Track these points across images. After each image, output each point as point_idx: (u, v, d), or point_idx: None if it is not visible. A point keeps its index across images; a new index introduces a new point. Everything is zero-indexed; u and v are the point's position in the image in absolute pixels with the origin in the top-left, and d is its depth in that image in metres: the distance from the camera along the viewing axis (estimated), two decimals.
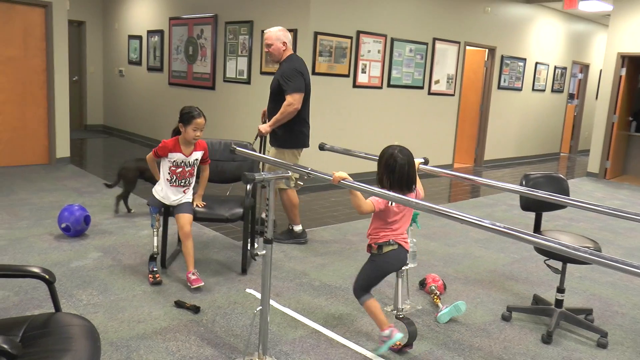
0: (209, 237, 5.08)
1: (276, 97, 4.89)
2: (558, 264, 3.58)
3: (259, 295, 3.80)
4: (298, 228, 5.09)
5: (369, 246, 3.15)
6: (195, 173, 4.11)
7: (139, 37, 10.64)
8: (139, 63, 10.75)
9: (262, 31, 7.41)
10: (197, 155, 4.08)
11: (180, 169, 4.02)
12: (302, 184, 2.89)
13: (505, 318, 3.72)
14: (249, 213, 4.21)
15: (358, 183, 2.69)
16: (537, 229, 3.76)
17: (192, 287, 3.86)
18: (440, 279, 4.12)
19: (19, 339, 2.20)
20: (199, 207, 4.18)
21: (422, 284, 4.16)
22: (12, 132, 7.77)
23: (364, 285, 3.12)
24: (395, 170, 2.98)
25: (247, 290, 3.93)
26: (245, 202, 4.20)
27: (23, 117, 7.83)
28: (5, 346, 1.84)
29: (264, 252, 2.80)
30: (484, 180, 3.27)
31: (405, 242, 3.14)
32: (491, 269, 4.73)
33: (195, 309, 3.54)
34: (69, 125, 8.26)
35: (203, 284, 3.92)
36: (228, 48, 8.43)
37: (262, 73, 7.82)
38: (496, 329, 3.59)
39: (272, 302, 3.65)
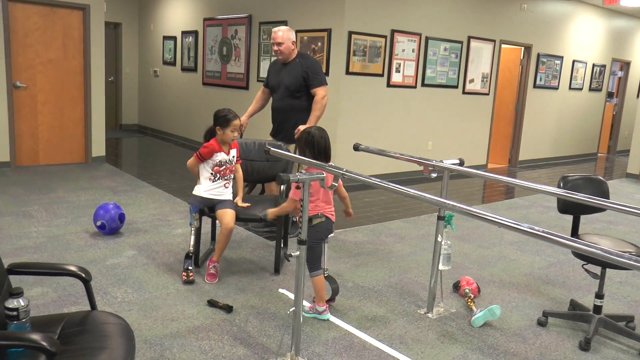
0: (242, 237, 5.10)
1: (296, 94, 5.02)
2: (597, 269, 3.49)
3: (291, 296, 3.80)
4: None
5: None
6: (233, 169, 4.21)
7: (174, 38, 10.76)
8: (173, 63, 10.87)
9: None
10: (234, 152, 4.22)
11: (223, 167, 4.13)
12: (336, 184, 2.87)
13: (542, 323, 3.64)
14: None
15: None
16: (575, 232, 3.68)
17: (206, 281, 4.00)
18: (475, 282, 4.06)
19: (56, 336, 2.24)
20: (243, 207, 4.24)
21: (456, 286, 4.10)
22: (50, 132, 7.94)
23: (311, 258, 3.50)
24: (314, 143, 3.45)
25: (280, 290, 3.93)
26: (279, 202, 4.20)
27: (61, 117, 8.00)
28: (45, 343, 1.87)
29: (298, 253, 2.79)
30: (521, 182, 3.20)
31: (331, 214, 3.62)
32: (527, 273, 4.64)
33: (228, 309, 3.55)
34: (105, 125, 8.40)
35: (217, 281, 4.02)
36: (262, 48, 8.46)
37: None
38: (532, 334, 3.52)
39: (305, 303, 3.64)
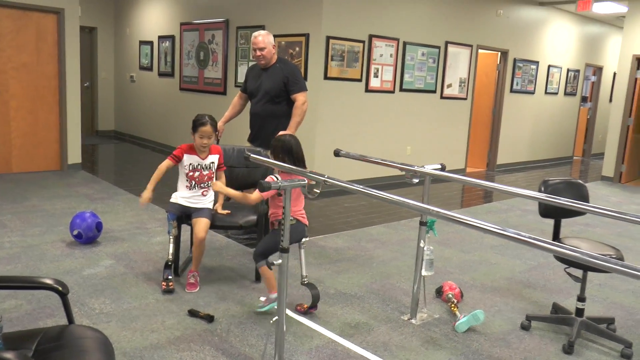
0: (222, 244, 5.03)
1: (276, 99, 4.99)
2: (578, 272, 3.50)
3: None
4: None
5: (272, 223, 3.68)
6: (213, 177, 4.11)
7: (150, 43, 10.65)
8: (150, 68, 10.75)
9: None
10: (213, 158, 4.11)
11: (197, 173, 4.04)
12: (318, 191, 2.83)
13: (525, 327, 3.64)
14: (263, 220, 4.16)
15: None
16: (556, 236, 3.69)
17: (186, 291, 3.93)
18: (457, 287, 4.05)
19: (32, 353, 2.16)
20: (222, 214, 4.16)
21: (439, 291, 4.09)
22: (24, 138, 7.77)
23: (263, 252, 3.57)
24: (293, 150, 3.56)
25: (262, 298, 3.85)
26: (259, 208, 4.15)
27: (35, 123, 7.84)
28: None
29: (280, 261, 2.75)
30: (504, 187, 3.19)
31: (303, 217, 3.64)
32: (508, 277, 4.65)
33: (209, 318, 3.49)
34: (81, 131, 8.25)
35: (198, 289, 3.96)
36: (239, 53, 8.41)
37: None
38: (515, 338, 3.51)
39: (287, 311, 3.59)
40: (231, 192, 3.51)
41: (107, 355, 2.20)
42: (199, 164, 4.05)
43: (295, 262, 4.05)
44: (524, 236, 2.04)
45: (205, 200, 4.09)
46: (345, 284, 4.26)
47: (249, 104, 5.27)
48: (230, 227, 4.23)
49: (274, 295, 3.57)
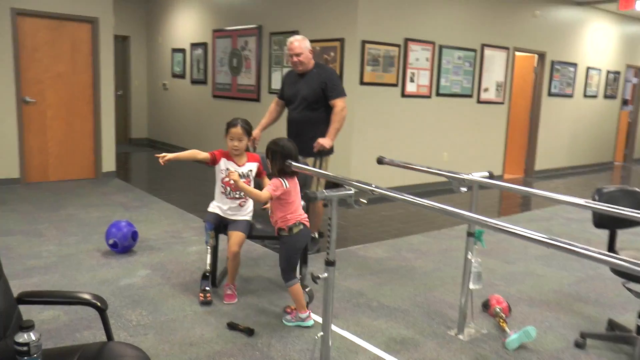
0: (259, 254, 4.93)
1: (314, 105, 4.87)
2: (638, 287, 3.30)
3: (315, 317, 3.62)
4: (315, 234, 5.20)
5: (280, 230, 3.49)
6: (251, 186, 3.95)
7: (183, 50, 10.66)
8: (182, 76, 10.76)
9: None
10: (251, 166, 3.96)
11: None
12: (365, 202, 2.69)
13: (579, 345, 3.44)
14: None
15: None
16: (611, 247, 3.49)
17: (224, 302, 3.84)
18: (505, 301, 3.87)
19: None
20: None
21: (486, 305, 3.91)
22: (60, 147, 7.81)
23: (288, 268, 3.49)
24: (292, 155, 3.42)
25: (288, 317, 3.74)
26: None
27: (71, 131, 7.87)
28: None
29: (326, 275, 2.62)
30: (559, 196, 2.97)
31: (306, 221, 3.56)
32: (556, 289, 4.44)
33: (250, 332, 3.37)
34: (114, 139, 8.27)
35: (236, 301, 3.86)
36: (273, 59, 8.33)
37: None
38: (571, 357, 3.32)
39: (332, 326, 3.46)
40: (245, 186, 3.47)
41: None
42: (235, 171, 3.93)
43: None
44: (595, 252, 1.88)
45: (242, 212, 3.97)
46: (388, 296, 4.11)
47: (286, 111, 5.16)
48: (266, 237, 4.12)
49: (305, 314, 3.55)
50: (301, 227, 3.48)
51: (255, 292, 4.04)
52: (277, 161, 3.42)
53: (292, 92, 4.99)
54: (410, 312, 3.84)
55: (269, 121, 5.21)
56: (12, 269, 4.31)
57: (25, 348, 1.93)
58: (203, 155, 3.93)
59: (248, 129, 3.93)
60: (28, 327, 1.95)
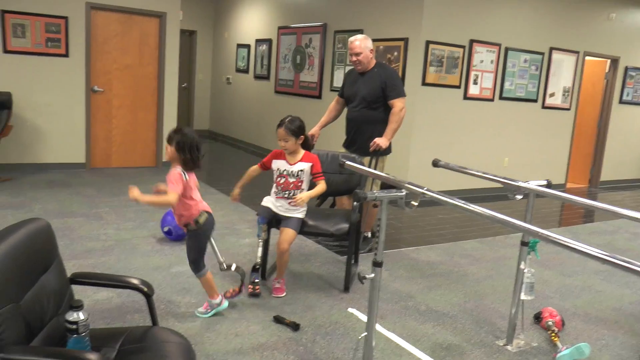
0: (311, 250, 4.94)
1: (373, 105, 4.84)
2: None
3: (362, 317, 3.61)
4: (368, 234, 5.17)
5: (187, 225, 3.41)
6: (302, 186, 3.93)
7: (247, 46, 10.81)
8: (246, 71, 10.91)
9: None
10: (303, 166, 3.93)
11: (283, 179, 3.92)
12: (416, 204, 2.64)
13: None
14: (355, 229, 4.02)
15: None
16: None
17: (273, 295, 3.87)
18: (558, 314, 3.74)
19: (116, 352, 2.13)
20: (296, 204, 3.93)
21: (538, 317, 3.79)
22: (124, 136, 8.07)
23: (198, 258, 3.47)
24: (195, 145, 3.28)
25: (350, 309, 3.73)
26: (351, 217, 4.01)
27: (134, 121, 8.12)
28: None
29: (373, 275, 2.59)
30: (627, 211, 2.80)
31: (208, 208, 3.50)
32: (616, 307, 4.25)
33: (295, 326, 3.39)
34: None
35: (284, 295, 3.88)
36: (336, 57, 8.33)
37: None
38: None
39: (376, 326, 3.43)
40: (148, 199, 3.21)
41: None
42: (285, 170, 3.93)
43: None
44: None
45: (295, 210, 3.95)
46: (438, 300, 4.04)
47: (346, 109, 5.15)
48: (321, 235, 4.11)
49: (217, 299, 3.53)
50: (205, 215, 3.44)
51: (304, 288, 4.05)
52: (185, 152, 3.26)
53: (352, 91, 4.97)
54: (459, 318, 3.77)
55: (329, 119, 5.21)
56: (73, 249, 4.48)
57: (74, 326, 2.00)
58: (254, 169, 4.06)
59: (293, 129, 3.85)
60: (78, 306, 2.02)
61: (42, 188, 6.51)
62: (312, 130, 5.01)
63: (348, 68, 8.01)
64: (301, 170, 3.93)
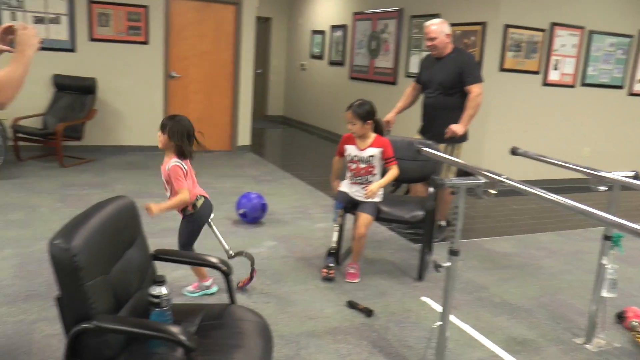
0: (385, 237, 4.92)
1: (449, 91, 4.74)
2: None
3: (435, 306, 3.57)
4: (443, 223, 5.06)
5: (184, 210, 3.37)
6: (374, 172, 3.91)
7: (322, 32, 10.82)
8: (320, 57, 10.93)
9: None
10: (373, 151, 3.87)
11: (354, 165, 3.91)
12: (494, 192, 2.57)
13: None
14: (430, 217, 3.96)
15: None
16: None
17: (346, 280, 3.87)
18: None
19: (195, 327, 2.20)
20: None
21: (620, 317, 3.62)
22: (200, 120, 8.22)
23: (189, 243, 3.44)
24: (191, 135, 3.31)
25: (422, 298, 3.70)
26: (426, 205, 3.96)
27: (210, 106, 8.31)
28: (183, 338, 1.81)
29: (449, 264, 2.55)
30: None
31: (203, 191, 3.47)
32: None
33: (368, 312, 3.39)
34: (251, 115, 8.61)
35: (358, 280, 3.88)
36: (412, 42, 8.21)
37: None
38: None
39: (451, 317, 3.39)
40: (165, 206, 3.21)
41: (265, 341, 2.18)
42: (355, 156, 3.90)
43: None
44: None
45: (363, 192, 3.91)
46: (512, 293, 3.94)
47: (422, 95, 5.07)
48: (396, 221, 4.08)
49: (208, 282, 3.55)
50: (202, 199, 3.41)
51: (378, 274, 4.04)
52: (178, 138, 3.25)
53: (428, 76, 4.90)
54: (534, 312, 3.66)
55: (404, 105, 5.15)
56: (151, 228, 4.58)
57: (157, 300, 2.08)
58: (339, 161, 4.07)
59: (359, 112, 3.80)
60: (161, 281, 2.09)
61: (123, 169, 6.78)
62: (387, 116, 4.97)
63: (424, 54, 7.88)
64: (371, 156, 3.88)
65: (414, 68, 8.01)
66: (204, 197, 3.47)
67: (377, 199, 3.94)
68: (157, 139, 3.31)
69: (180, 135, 3.24)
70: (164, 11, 7.70)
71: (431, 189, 4.08)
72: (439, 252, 4.43)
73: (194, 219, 3.43)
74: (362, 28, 9.47)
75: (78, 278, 1.83)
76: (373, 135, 3.90)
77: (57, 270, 1.84)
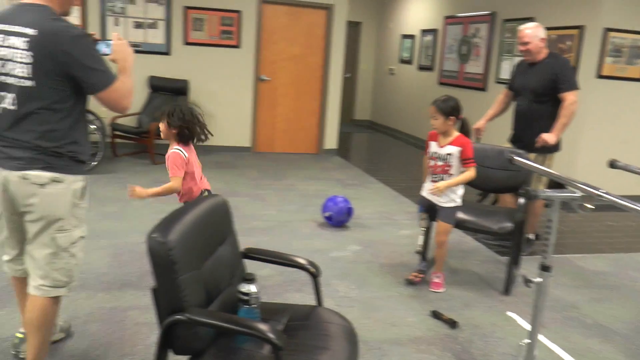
0: (470, 247, 4.81)
1: (542, 98, 4.55)
2: None
3: (521, 322, 3.44)
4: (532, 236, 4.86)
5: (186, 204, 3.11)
6: (451, 171, 3.71)
7: (412, 37, 10.73)
8: (410, 62, 10.84)
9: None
10: (451, 149, 3.69)
11: (433, 162, 3.76)
12: (592, 207, 2.45)
13: None
14: (519, 229, 3.83)
15: None
16: None
17: (430, 289, 3.81)
18: None
19: (282, 327, 2.23)
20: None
21: None
22: (287, 123, 8.42)
23: None
24: (193, 116, 3.19)
25: (508, 313, 3.58)
26: (516, 216, 3.84)
27: (298, 109, 8.43)
28: (273, 336, 1.84)
29: (540, 280, 2.46)
30: None
31: (208, 184, 3.39)
32: None
33: (452, 324, 3.32)
34: (339, 119, 8.66)
35: (443, 290, 3.81)
36: (504, 47, 8.00)
37: None
38: None
39: (539, 336, 3.26)
40: (150, 192, 3.11)
41: (351, 345, 2.18)
42: (435, 152, 3.75)
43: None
44: None
45: (444, 197, 3.74)
46: (606, 315, 3.73)
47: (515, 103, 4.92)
48: (483, 232, 3.97)
49: None
50: (206, 193, 3.31)
51: (462, 285, 3.96)
52: (182, 123, 3.15)
53: (520, 82, 4.74)
54: (631, 338, 3.45)
55: (496, 112, 5.01)
56: (238, 226, 4.71)
57: (246, 297, 2.12)
58: (424, 159, 3.96)
59: (443, 107, 3.64)
60: (250, 279, 2.14)
61: (211, 168, 6.99)
62: (477, 124, 4.86)
63: (516, 59, 7.65)
64: (449, 154, 3.70)
65: (505, 74, 7.79)
66: (208, 191, 3.40)
67: (451, 204, 3.75)
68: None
69: (179, 119, 3.14)
70: (257, 16, 7.90)
71: (521, 200, 3.94)
72: (527, 266, 4.28)
73: None
74: (453, 32, 9.32)
75: (173, 271, 1.91)
76: (455, 134, 3.73)
77: (154, 263, 1.92)
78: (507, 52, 7.91)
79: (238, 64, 8.00)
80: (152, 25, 7.61)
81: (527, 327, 3.33)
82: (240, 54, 7.98)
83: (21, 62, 2.18)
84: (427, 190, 3.79)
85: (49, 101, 2.22)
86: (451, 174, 3.70)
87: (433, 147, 3.78)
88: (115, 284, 3.60)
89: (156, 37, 7.66)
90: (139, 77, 7.60)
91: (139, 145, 7.48)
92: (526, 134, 4.64)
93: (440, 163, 3.73)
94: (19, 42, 2.18)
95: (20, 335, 2.73)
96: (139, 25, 7.57)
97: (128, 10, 7.50)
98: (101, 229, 4.53)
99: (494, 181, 4.26)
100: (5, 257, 2.56)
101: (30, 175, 2.25)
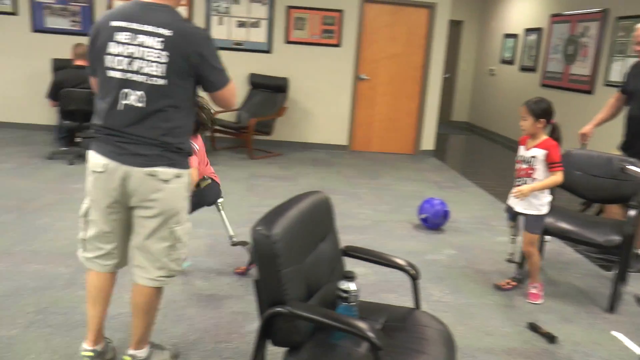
0: (570, 258, 4.60)
1: None
2: None
3: (628, 343, 3.24)
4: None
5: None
6: (534, 175, 3.54)
7: (515, 36, 10.38)
8: (511, 62, 10.51)
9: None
10: (536, 152, 3.52)
11: (517, 165, 3.63)
12: None
13: None
14: (628, 243, 3.62)
15: None
16: None
17: (527, 300, 3.67)
18: None
19: (380, 327, 2.24)
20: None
21: None
22: (385, 122, 8.40)
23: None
24: (204, 106, 3.20)
25: (613, 332, 3.38)
26: (624, 229, 3.62)
27: (396, 109, 8.39)
28: (373, 335, 1.86)
29: None
30: None
31: (215, 176, 3.54)
32: None
33: (551, 338, 3.19)
34: (437, 120, 8.54)
35: (542, 302, 3.66)
36: (615, 47, 7.55)
37: None
38: None
39: None
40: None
41: (449, 350, 2.16)
42: (521, 155, 3.62)
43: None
44: None
45: (525, 203, 3.57)
46: None
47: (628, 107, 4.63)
48: (586, 244, 3.77)
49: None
50: (209, 180, 3.36)
51: (561, 298, 3.79)
52: (200, 117, 3.17)
53: (635, 85, 4.45)
54: None
55: (605, 117, 4.73)
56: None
57: (345, 295, 2.16)
58: None
59: (533, 108, 3.51)
60: (350, 277, 2.17)
61: (307, 165, 7.11)
62: (584, 129, 4.64)
63: (631, 60, 7.21)
64: (533, 157, 3.54)
65: (616, 76, 7.35)
66: (212, 179, 3.48)
67: (534, 212, 3.57)
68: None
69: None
70: (358, 15, 7.93)
71: (632, 212, 3.71)
72: (634, 284, 4.03)
73: (194, 197, 3.28)
74: (559, 31, 8.92)
75: (276, 264, 1.96)
76: (543, 137, 3.58)
77: (258, 255, 1.98)
78: (619, 53, 7.47)
79: (338, 62, 8.08)
80: (255, 25, 7.84)
81: (636, 349, 3.15)
82: (340, 52, 8.05)
83: (156, 62, 2.23)
84: (510, 193, 3.66)
85: (176, 99, 2.31)
86: (535, 178, 3.53)
87: (520, 149, 3.67)
88: (212, 272, 3.76)
89: (258, 35, 7.88)
90: (239, 75, 7.85)
91: (237, 140, 7.73)
92: (639, 141, 4.37)
93: (524, 166, 3.59)
94: (153, 41, 2.23)
95: (90, 354, 2.57)
96: (241, 24, 7.82)
97: (232, 9, 7.76)
98: (199, 218, 4.69)
99: (599, 190, 4.04)
100: (91, 254, 2.50)
101: (158, 172, 2.31)
